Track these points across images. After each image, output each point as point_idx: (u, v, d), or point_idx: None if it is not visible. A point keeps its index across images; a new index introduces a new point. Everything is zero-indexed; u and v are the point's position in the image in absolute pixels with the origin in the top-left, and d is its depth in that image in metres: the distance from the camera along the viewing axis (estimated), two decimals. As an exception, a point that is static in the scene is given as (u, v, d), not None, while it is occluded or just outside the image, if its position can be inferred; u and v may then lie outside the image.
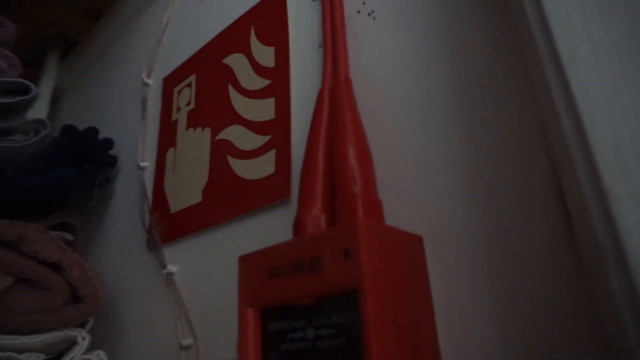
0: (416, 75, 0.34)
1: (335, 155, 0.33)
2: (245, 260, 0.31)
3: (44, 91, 0.88)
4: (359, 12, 0.41)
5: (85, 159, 0.63)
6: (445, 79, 0.32)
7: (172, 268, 0.49)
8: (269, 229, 0.41)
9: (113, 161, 0.64)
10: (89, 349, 0.45)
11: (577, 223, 0.19)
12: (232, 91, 0.51)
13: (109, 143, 0.65)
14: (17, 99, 0.58)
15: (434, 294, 0.28)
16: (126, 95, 0.71)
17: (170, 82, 0.62)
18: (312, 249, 0.27)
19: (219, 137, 0.50)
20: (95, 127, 0.66)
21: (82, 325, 0.47)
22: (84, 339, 0.45)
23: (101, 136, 0.66)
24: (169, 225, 0.52)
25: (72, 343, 0.45)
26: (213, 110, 0.52)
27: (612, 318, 0.15)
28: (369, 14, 0.40)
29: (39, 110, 0.80)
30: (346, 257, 0.25)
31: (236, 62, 0.52)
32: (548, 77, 0.18)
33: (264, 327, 0.29)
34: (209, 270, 0.46)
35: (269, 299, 0.29)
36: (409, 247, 0.28)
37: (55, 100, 0.93)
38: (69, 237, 0.58)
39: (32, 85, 0.59)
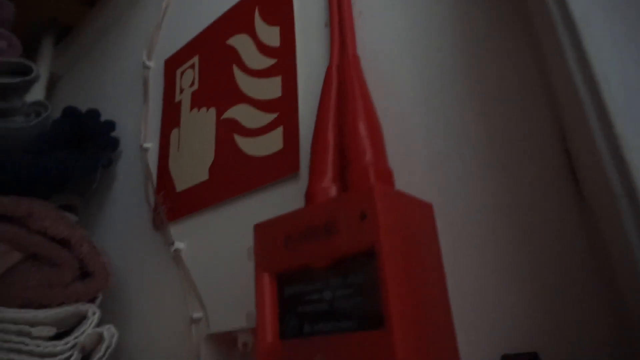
0: (423, 49, 0.35)
1: (346, 128, 0.34)
2: (261, 228, 0.32)
3: (40, 76, 0.88)
4: (365, -10, 0.41)
5: (87, 141, 0.63)
6: (452, 51, 0.33)
7: (179, 245, 0.50)
8: (279, 203, 0.42)
9: (115, 143, 0.64)
10: (99, 324, 0.46)
11: (588, 174, 0.20)
12: (237, 71, 0.51)
13: (110, 125, 0.65)
14: (19, 79, 0.58)
15: (445, 259, 0.29)
16: (126, 79, 0.71)
17: (172, 64, 0.62)
18: (327, 214, 0.28)
19: (224, 116, 0.51)
20: (96, 109, 0.66)
21: (91, 300, 0.48)
22: (94, 313, 0.46)
23: (102, 119, 0.66)
24: (174, 204, 0.53)
25: (82, 317, 0.45)
26: (218, 91, 0.53)
27: (627, 261, 0.17)
28: (376, -8, 0.40)
29: (34, 95, 0.80)
30: (362, 220, 0.26)
31: (240, 42, 0.52)
32: (561, 39, 0.19)
33: (281, 291, 0.30)
34: (217, 245, 0.47)
35: (285, 264, 0.30)
36: (421, 213, 0.29)
37: (51, 86, 0.93)
38: (73, 217, 0.58)
39: (33, 65, 0.59)
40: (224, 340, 0.40)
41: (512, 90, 0.29)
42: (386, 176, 0.31)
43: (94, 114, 0.65)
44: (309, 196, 0.34)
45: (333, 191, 0.33)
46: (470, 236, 0.29)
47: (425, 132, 0.33)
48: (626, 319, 0.19)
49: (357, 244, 0.26)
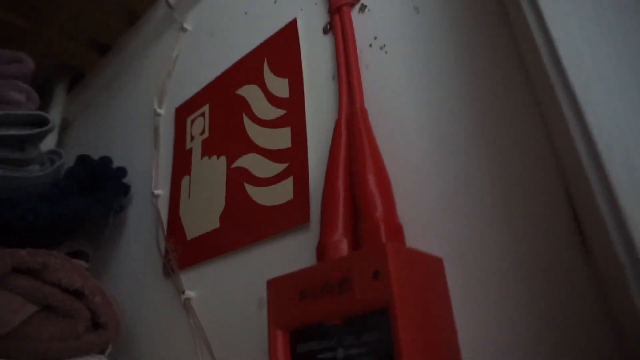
0: (428, 103, 0.37)
1: (356, 181, 0.35)
2: (274, 284, 0.32)
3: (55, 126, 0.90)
4: (370, 45, 0.43)
5: (99, 188, 0.64)
6: (456, 105, 0.35)
7: (189, 293, 0.50)
8: (288, 254, 0.42)
9: (126, 189, 0.66)
10: (110, 376, 0.46)
11: (594, 243, 0.20)
12: (246, 121, 0.53)
13: (122, 171, 0.67)
14: (36, 130, 0.60)
15: (455, 312, 0.29)
16: (137, 126, 0.73)
17: (183, 112, 0.64)
18: (341, 271, 0.28)
19: (235, 164, 0.52)
20: (109, 156, 0.67)
21: (101, 352, 0.48)
22: (104, 365, 0.45)
23: (113, 166, 0.67)
24: (185, 252, 0.53)
25: (93, 370, 0.45)
26: (228, 139, 0.54)
27: (634, 329, 0.17)
28: (381, 48, 0.42)
29: (47, 141, 0.82)
30: (376, 278, 0.27)
31: (250, 92, 0.54)
32: (564, 112, 0.20)
33: (294, 348, 0.30)
34: (227, 295, 0.47)
35: (298, 320, 0.30)
36: (431, 268, 0.30)
37: (62, 131, 0.95)
38: (85, 264, 0.59)
39: (49, 117, 0.61)
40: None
41: (520, 144, 0.30)
42: (397, 231, 0.32)
43: (106, 160, 0.66)
44: (321, 250, 0.34)
45: (344, 245, 0.34)
46: (480, 288, 0.29)
47: (434, 185, 0.34)
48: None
49: (370, 302, 0.27)
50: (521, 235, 0.28)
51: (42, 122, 0.61)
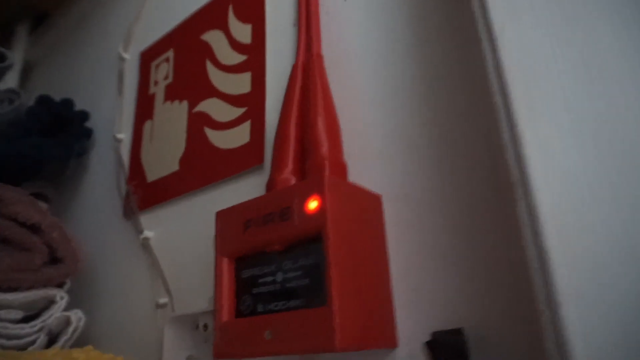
0: (382, 51, 0.38)
1: (306, 123, 0.36)
2: (222, 215, 0.34)
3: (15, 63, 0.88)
4: (331, -7, 0.43)
5: (61, 130, 0.64)
6: (409, 58, 0.36)
7: (148, 233, 0.52)
8: (244, 194, 0.43)
9: (89, 133, 0.65)
10: (68, 308, 0.47)
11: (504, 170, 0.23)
12: (209, 66, 0.53)
13: (84, 115, 0.66)
14: (-7, 66, 0.58)
15: (390, 245, 0.32)
16: (101, 70, 0.72)
17: (148, 57, 0.63)
18: (283, 201, 0.30)
19: (196, 109, 0.52)
20: (71, 98, 0.66)
21: (60, 285, 0.49)
22: (62, 298, 0.47)
23: (76, 109, 0.67)
24: (145, 194, 0.54)
25: (50, 302, 0.46)
26: (191, 84, 0.54)
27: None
28: (341, -4, 0.43)
29: (8, 83, 0.80)
30: (313, 207, 0.28)
31: (214, 38, 0.54)
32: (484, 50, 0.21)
33: (238, 274, 0.32)
34: (185, 234, 0.48)
35: (243, 249, 0.32)
36: (369, 203, 0.32)
37: (25, 75, 0.92)
38: (44, 205, 0.59)
39: (7, 52, 0.59)
40: (186, 323, 0.42)
41: (461, 98, 0.32)
42: (341, 169, 0.34)
43: (68, 102, 0.65)
44: (269, 186, 0.36)
45: (292, 181, 0.35)
46: (414, 225, 0.31)
47: (379, 130, 0.36)
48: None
49: (307, 229, 0.28)
50: (450, 178, 0.30)
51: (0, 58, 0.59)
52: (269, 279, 0.30)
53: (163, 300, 0.47)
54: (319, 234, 0.28)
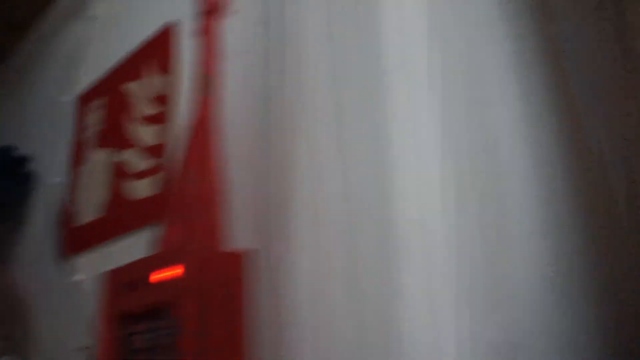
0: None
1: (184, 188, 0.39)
2: (106, 276, 0.37)
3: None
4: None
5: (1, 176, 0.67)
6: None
7: (79, 276, 0.55)
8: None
9: (27, 177, 0.68)
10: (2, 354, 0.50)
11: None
12: (129, 116, 0.56)
13: (23, 160, 0.69)
14: None
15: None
16: (43, 113, 0.74)
17: (84, 102, 0.66)
18: (147, 268, 0.33)
19: (116, 158, 0.55)
20: (9, 145, 0.70)
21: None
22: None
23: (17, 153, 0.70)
24: (77, 238, 0.58)
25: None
26: (115, 133, 0.57)
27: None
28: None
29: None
30: (171, 277, 0.32)
31: (136, 88, 0.57)
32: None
33: (116, 330, 0.36)
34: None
35: (117, 308, 0.35)
36: (231, 266, 0.34)
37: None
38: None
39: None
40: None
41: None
42: (215, 232, 0.37)
43: (6, 149, 0.68)
44: (158, 242, 0.39)
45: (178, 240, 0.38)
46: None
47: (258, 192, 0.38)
48: None
49: (165, 295, 0.32)
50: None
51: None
52: (138, 337, 0.33)
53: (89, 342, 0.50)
54: (174, 301, 0.31)
